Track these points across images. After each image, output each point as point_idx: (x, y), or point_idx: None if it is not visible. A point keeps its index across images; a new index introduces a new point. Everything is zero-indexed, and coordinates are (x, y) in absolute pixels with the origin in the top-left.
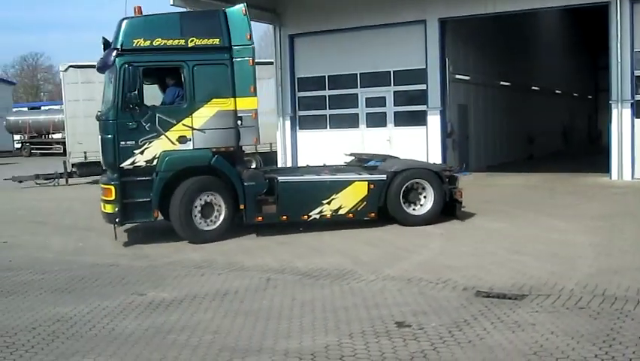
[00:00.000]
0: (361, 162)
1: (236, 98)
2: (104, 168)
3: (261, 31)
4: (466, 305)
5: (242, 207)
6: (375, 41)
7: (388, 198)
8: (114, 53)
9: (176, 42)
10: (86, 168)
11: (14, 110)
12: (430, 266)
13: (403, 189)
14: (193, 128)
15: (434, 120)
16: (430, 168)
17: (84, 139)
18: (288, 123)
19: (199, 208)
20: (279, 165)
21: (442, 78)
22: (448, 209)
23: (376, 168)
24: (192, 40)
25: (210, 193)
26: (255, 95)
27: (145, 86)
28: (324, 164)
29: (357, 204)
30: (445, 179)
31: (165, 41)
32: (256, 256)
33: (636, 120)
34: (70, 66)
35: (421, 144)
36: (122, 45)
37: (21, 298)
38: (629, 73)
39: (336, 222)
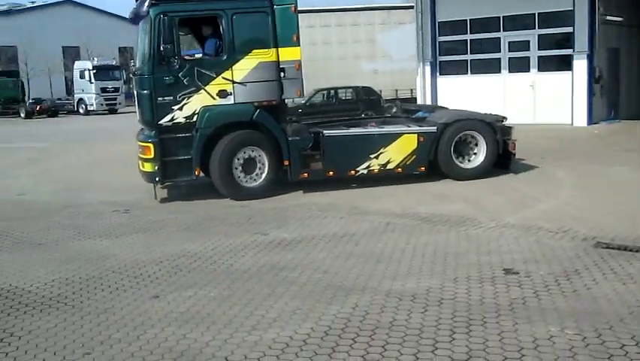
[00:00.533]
0: (408, 113)
1: (279, 49)
2: (141, 124)
3: None
4: (582, 255)
5: (286, 163)
6: None
7: (439, 152)
8: (148, 2)
9: None
10: None
11: None
12: (553, 215)
13: (454, 141)
14: (234, 82)
15: (581, 65)
16: (482, 118)
17: None
18: (428, 69)
19: (240, 164)
20: None
21: (591, 20)
22: (502, 162)
23: (425, 120)
24: None
25: (252, 148)
26: (299, 45)
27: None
28: (368, 114)
29: (406, 157)
30: (499, 130)
31: None
32: (380, 201)
33: None
34: None
35: (566, 89)
36: None
37: (154, 235)
38: None
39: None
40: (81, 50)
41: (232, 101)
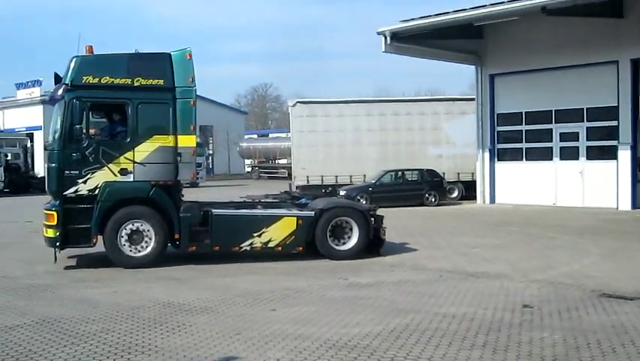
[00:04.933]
0: (293, 200)
1: (177, 136)
2: (48, 194)
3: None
4: (584, 299)
5: (177, 236)
6: (568, 80)
7: (316, 234)
8: (63, 88)
9: (122, 81)
10: (308, 190)
11: (246, 137)
12: (572, 275)
13: (330, 225)
14: (134, 162)
15: (625, 155)
16: (355, 207)
17: (307, 165)
18: (487, 155)
19: (127, 235)
20: (478, 192)
21: (634, 115)
22: (373, 246)
23: (307, 206)
24: (138, 80)
25: (140, 222)
26: (195, 134)
27: (92, 120)
28: (259, 200)
29: (286, 237)
30: (371, 218)
31: (113, 79)
32: (438, 261)
33: None
34: (298, 102)
35: (611, 176)
36: (71, 81)
37: (261, 276)
38: None
39: None
40: None
41: (132, 179)
